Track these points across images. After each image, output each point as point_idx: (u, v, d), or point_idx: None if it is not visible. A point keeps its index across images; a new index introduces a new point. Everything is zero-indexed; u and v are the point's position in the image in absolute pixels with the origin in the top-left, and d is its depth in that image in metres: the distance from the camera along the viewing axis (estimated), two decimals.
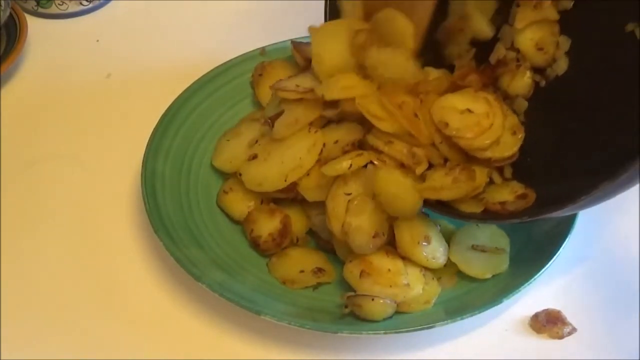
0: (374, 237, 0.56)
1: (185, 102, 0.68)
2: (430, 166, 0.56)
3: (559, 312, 0.58)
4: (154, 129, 0.65)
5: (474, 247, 0.59)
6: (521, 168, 0.56)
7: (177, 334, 0.57)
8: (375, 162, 0.56)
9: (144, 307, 0.59)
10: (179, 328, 0.57)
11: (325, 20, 0.65)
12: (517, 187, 0.55)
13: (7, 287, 0.60)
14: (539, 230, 0.60)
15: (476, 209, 0.55)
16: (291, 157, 0.59)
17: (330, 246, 0.60)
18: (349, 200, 0.56)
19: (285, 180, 0.59)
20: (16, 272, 0.61)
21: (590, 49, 0.55)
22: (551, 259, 0.57)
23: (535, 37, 0.57)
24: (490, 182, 0.56)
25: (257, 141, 0.63)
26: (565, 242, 0.58)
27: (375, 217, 0.56)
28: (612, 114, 0.52)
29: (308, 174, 0.58)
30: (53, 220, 0.65)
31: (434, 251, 0.57)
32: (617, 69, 0.52)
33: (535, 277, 0.56)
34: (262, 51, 0.73)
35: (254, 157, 0.61)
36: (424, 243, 0.57)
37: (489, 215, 0.55)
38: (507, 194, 0.55)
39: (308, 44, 0.63)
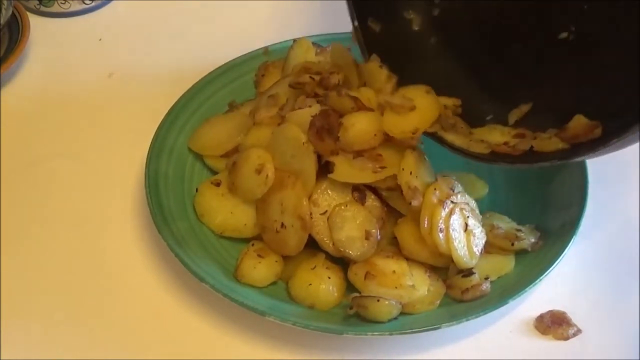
0: (366, 238, 0.56)
1: (188, 102, 0.68)
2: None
3: (564, 313, 0.58)
4: (157, 128, 0.65)
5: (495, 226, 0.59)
6: (551, 113, 0.57)
7: (181, 335, 0.57)
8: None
9: (147, 307, 0.59)
10: (183, 329, 0.57)
11: (352, 21, 0.64)
12: (506, 129, 0.58)
13: (7, 287, 0.59)
14: (544, 231, 0.60)
15: (484, 150, 0.56)
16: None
17: None
18: (327, 218, 0.57)
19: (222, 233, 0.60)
20: (17, 272, 0.61)
21: None
22: (556, 260, 0.57)
23: None
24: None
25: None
26: (570, 243, 0.58)
27: (360, 218, 0.57)
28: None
29: None
30: (55, 220, 0.65)
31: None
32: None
33: (541, 278, 0.56)
34: (265, 51, 0.73)
35: (217, 183, 0.61)
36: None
37: (500, 157, 0.56)
38: (499, 136, 0.57)
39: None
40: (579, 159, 0.53)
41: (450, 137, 0.58)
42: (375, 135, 0.57)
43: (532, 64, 0.61)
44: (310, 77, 0.61)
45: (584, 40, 0.58)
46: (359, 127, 0.58)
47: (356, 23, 0.63)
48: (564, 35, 0.59)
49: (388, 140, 0.58)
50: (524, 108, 0.59)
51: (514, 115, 0.59)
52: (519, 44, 0.62)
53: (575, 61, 0.58)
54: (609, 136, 0.49)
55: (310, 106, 0.59)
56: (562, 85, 0.58)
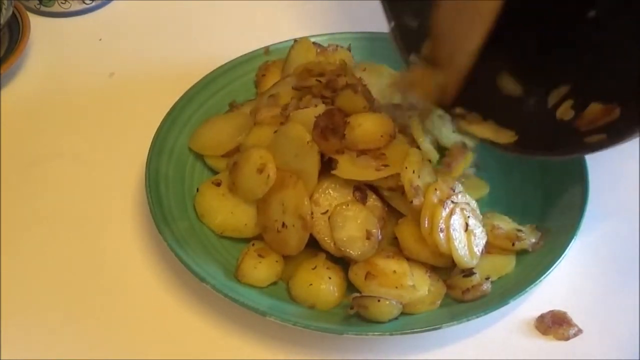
0: (367, 238, 0.56)
1: (189, 102, 0.68)
2: None
3: (564, 313, 0.58)
4: (158, 128, 0.65)
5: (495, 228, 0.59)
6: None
7: (181, 335, 0.57)
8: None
9: (147, 307, 0.59)
10: (183, 329, 0.57)
11: (389, 22, 0.63)
12: None
13: (7, 287, 0.59)
14: (544, 231, 0.60)
15: (510, 139, 0.57)
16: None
17: None
18: (328, 218, 0.57)
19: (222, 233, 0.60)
20: (17, 272, 0.60)
21: None
22: (557, 260, 0.56)
23: None
24: None
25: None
26: (571, 244, 0.57)
27: (361, 218, 0.56)
28: None
29: None
30: (55, 220, 0.65)
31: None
32: None
33: (541, 278, 0.56)
34: (266, 50, 0.73)
35: (218, 183, 0.61)
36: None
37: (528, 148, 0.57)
38: None
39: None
40: (613, 146, 0.52)
41: (474, 129, 0.58)
42: (381, 136, 0.57)
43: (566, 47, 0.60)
44: (317, 80, 0.61)
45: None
46: (366, 127, 0.58)
47: (393, 24, 0.62)
48: (592, 14, 0.58)
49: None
50: (563, 90, 0.58)
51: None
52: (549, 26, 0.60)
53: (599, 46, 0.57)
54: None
55: (316, 106, 0.59)
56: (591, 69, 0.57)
